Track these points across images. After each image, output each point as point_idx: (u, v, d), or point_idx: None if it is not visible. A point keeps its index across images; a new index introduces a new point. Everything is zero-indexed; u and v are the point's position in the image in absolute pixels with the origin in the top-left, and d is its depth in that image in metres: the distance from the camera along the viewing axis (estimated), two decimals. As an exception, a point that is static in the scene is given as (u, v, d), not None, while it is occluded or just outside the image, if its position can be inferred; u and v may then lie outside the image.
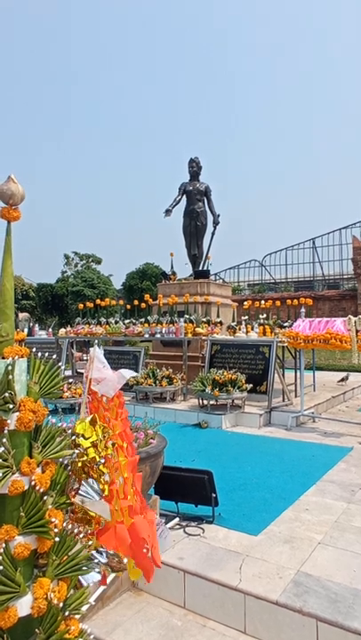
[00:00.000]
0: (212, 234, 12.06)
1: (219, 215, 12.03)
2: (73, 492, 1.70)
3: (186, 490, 3.73)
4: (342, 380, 10.40)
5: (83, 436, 1.77)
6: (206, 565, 2.95)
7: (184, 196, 12.00)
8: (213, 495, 3.64)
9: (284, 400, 8.23)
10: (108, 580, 1.78)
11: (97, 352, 1.95)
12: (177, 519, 3.61)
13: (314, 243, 32.21)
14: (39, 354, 1.77)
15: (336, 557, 3.04)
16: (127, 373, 1.91)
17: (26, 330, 13.67)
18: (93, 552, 1.75)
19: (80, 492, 1.70)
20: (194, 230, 11.97)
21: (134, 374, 2.08)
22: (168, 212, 11.74)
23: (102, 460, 1.74)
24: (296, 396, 8.48)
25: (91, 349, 2.07)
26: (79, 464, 1.70)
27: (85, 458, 1.71)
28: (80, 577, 1.70)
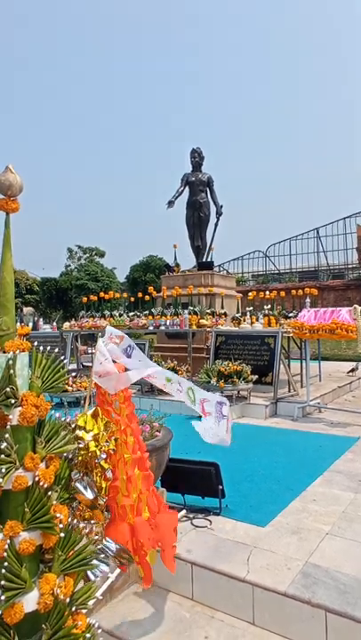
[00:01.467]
0: (216, 225, 11.98)
1: (222, 206, 11.94)
2: (73, 488, 1.68)
3: (192, 482, 3.72)
4: (352, 370, 10.32)
5: (84, 428, 1.75)
6: (214, 557, 2.94)
7: (187, 187, 11.91)
8: (220, 487, 3.63)
9: (289, 391, 8.20)
10: (112, 576, 1.76)
11: (100, 345, 1.93)
12: (184, 511, 3.60)
13: (318, 232, 32.00)
14: (41, 347, 1.75)
15: (345, 548, 3.03)
16: (133, 376, 1.88)
17: (30, 324, 13.69)
18: (104, 543, 1.73)
19: (75, 485, 1.67)
20: (197, 221, 11.90)
21: (139, 377, 2.05)
22: (171, 203, 11.67)
23: (103, 456, 1.72)
24: (302, 387, 8.44)
25: (98, 341, 2.05)
26: (80, 458, 1.68)
27: (86, 452, 1.68)
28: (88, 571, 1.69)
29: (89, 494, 1.70)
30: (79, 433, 1.73)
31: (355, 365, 10.55)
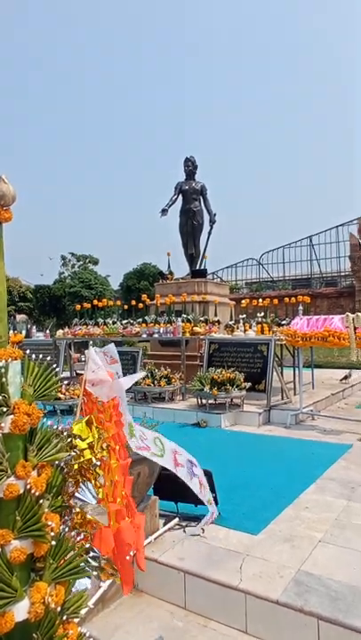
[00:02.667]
0: (209, 233, 12.05)
1: (215, 214, 12.02)
2: (68, 496, 1.68)
3: (185, 490, 3.71)
4: (345, 377, 10.35)
5: (80, 437, 1.76)
6: (207, 565, 2.94)
7: (180, 196, 11.98)
8: (213, 495, 3.62)
9: (282, 398, 8.22)
10: (104, 586, 1.76)
11: (92, 353, 1.94)
12: (177, 519, 3.59)
13: (311, 240, 32.26)
14: (33, 356, 1.75)
15: (337, 555, 3.03)
16: (125, 384, 1.89)
17: (24, 331, 13.65)
18: (88, 557, 1.73)
19: (76, 495, 1.68)
20: (190, 229, 11.96)
21: (131, 383, 2.06)
22: (164, 211, 11.73)
23: (98, 463, 1.73)
24: (295, 394, 8.47)
25: (89, 349, 2.06)
26: (75, 466, 1.68)
27: (82, 459, 1.69)
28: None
29: (91, 500, 1.70)
30: (75, 441, 1.74)
31: (347, 373, 10.59)
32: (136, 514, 2.01)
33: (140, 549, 1.91)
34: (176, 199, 11.96)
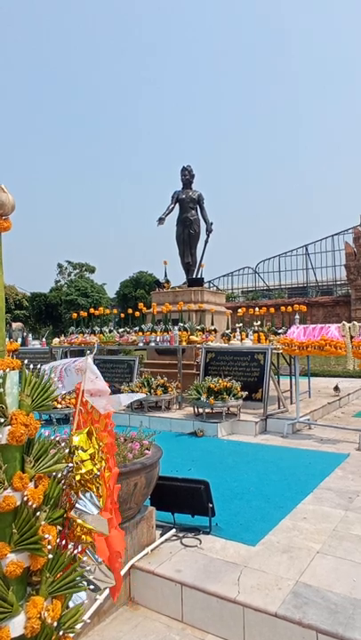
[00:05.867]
0: (206, 241, 12.09)
1: (212, 223, 12.06)
2: (70, 507, 1.67)
3: (182, 500, 3.69)
4: (336, 388, 10.21)
5: (82, 448, 1.75)
6: (204, 577, 2.91)
7: (177, 205, 12.03)
8: (210, 505, 3.60)
9: (279, 407, 8.20)
10: (102, 596, 1.74)
11: (90, 363, 1.93)
12: (173, 530, 3.56)
13: (307, 249, 32.40)
14: (32, 366, 1.74)
15: (335, 567, 3.01)
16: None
17: (19, 340, 13.59)
18: (85, 569, 1.71)
19: (77, 505, 1.66)
20: (187, 238, 11.99)
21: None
22: (161, 220, 11.76)
23: (98, 473, 1.71)
24: (292, 403, 8.46)
25: (86, 359, 2.05)
26: (77, 477, 1.67)
27: (84, 470, 1.67)
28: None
29: (93, 510, 1.68)
30: (78, 453, 1.72)
31: (335, 385, 10.41)
32: (118, 521, 2.00)
33: (121, 558, 1.91)
34: (173, 208, 12.01)
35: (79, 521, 1.65)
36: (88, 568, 1.76)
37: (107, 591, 2.10)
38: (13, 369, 1.59)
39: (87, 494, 1.69)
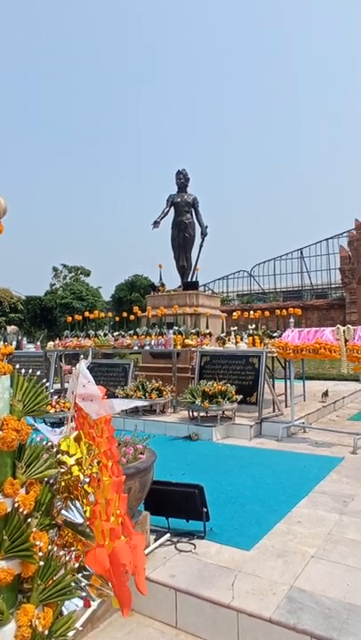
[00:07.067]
0: (201, 245, 12.10)
1: (207, 226, 12.08)
2: (57, 513, 1.65)
3: (176, 505, 3.67)
4: (325, 394, 10.14)
5: (67, 453, 1.73)
6: (198, 583, 2.89)
7: (172, 208, 12.05)
8: (204, 510, 3.58)
9: (274, 410, 8.20)
10: (94, 605, 1.72)
11: (82, 367, 1.91)
12: (168, 535, 3.54)
13: (302, 253, 32.46)
14: (23, 370, 1.73)
15: (330, 571, 3.00)
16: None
17: (14, 343, 13.51)
18: (78, 576, 1.69)
19: (62, 512, 1.64)
20: (182, 242, 12.01)
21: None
22: (156, 223, 11.78)
23: (87, 480, 1.69)
24: (286, 407, 8.45)
25: (80, 363, 2.03)
26: (62, 483, 1.65)
27: (69, 476, 1.65)
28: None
29: (78, 519, 1.66)
30: (62, 457, 1.70)
31: (325, 391, 10.32)
32: (133, 533, 1.95)
33: (139, 571, 1.85)
34: (168, 211, 12.03)
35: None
36: (82, 574, 1.74)
37: (97, 602, 2.05)
38: (5, 374, 1.58)
39: (74, 502, 1.67)
